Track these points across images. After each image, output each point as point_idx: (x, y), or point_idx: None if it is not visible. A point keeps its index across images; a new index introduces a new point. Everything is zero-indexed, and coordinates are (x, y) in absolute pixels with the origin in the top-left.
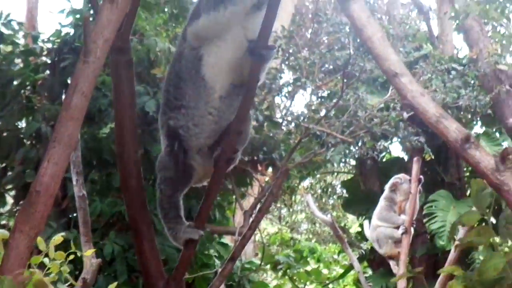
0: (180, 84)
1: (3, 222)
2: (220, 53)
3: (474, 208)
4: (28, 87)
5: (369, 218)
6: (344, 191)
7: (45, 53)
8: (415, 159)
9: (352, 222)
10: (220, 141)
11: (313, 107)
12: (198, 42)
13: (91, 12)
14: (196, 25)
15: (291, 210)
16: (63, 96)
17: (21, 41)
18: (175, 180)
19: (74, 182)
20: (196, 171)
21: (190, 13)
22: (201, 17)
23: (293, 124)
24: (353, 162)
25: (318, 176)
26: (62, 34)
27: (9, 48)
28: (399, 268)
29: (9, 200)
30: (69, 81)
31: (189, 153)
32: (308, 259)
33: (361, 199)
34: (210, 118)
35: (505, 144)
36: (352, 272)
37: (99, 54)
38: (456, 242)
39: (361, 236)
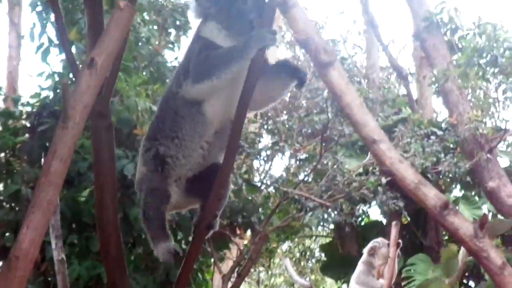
0: (177, 118)
1: None
2: (220, 96)
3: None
4: (8, 151)
5: (348, 282)
6: (323, 254)
7: (24, 116)
8: (393, 223)
9: (331, 286)
10: (197, 177)
11: (291, 171)
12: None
13: (71, 75)
14: (191, 90)
15: (269, 273)
16: (43, 159)
17: (1, 104)
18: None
19: (53, 246)
20: (170, 198)
21: (188, 53)
22: (194, 84)
23: (271, 188)
24: (331, 226)
25: (296, 239)
26: (42, 97)
27: None
28: None
29: None
30: (48, 145)
31: (167, 179)
32: None
33: (339, 262)
34: (200, 152)
35: (484, 208)
36: None
37: (78, 120)
38: None
39: None
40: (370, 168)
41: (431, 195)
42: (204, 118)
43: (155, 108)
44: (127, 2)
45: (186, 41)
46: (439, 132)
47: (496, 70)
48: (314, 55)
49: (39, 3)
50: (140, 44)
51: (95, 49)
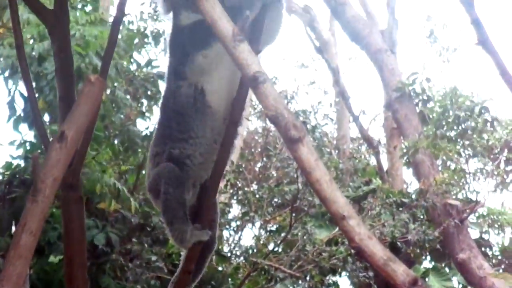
0: (185, 118)
1: None
2: (219, 78)
3: None
4: None
5: None
6: None
7: None
8: None
9: None
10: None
11: (261, 241)
12: (198, 76)
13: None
14: (196, 63)
15: None
16: (13, 228)
17: None
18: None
19: None
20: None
21: (171, 49)
22: (195, 56)
23: (241, 258)
24: None
25: None
26: (13, 166)
27: None
28: None
29: None
30: (18, 213)
31: (185, 183)
32: None
33: None
34: (214, 147)
35: (454, 280)
36: None
37: (48, 193)
38: None
39: None
40: (340, 239)
41: (400, 271)
42: (211, 109)
43: (119, 185)
44: (98, 76)
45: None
46: (409, 202)
47: (467, 142)
48: (284, 131)
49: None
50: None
51: (66, 122)
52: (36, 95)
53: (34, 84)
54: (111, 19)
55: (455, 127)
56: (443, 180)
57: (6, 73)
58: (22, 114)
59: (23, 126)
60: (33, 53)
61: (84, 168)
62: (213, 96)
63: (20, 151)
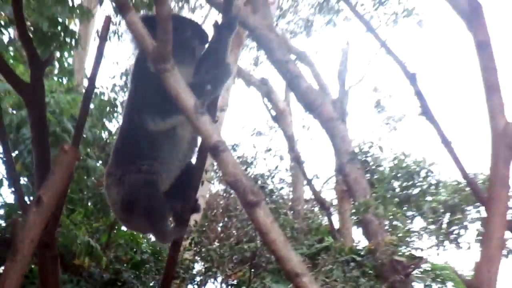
0: (155, 142)
1: None
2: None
3: None
4: None
5: None
6: None
7: None
8: None
9: None
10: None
11: None
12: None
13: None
14: (159, 126)
15: None
16: None
17: None
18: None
19: None
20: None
21: (137, 86)
22: (161, 122)
23: None
24: None
25: None
26: None
27: None
28: None
29: None
30: None
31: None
32: None
33: None
34: (177, 164)
35: None
36: None
37: (26, 253)
38: None
39: None
40: None
41: None
42: (177, 136)
43: (92, 243)
44: (71, 145)
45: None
46: (359, 259)
47: (413, 204)
48: (242, 196)
49: None
50: (85, 177)
51: (42, 188)
52: (15, 156)
53: (12, 149)
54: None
55: (402, 190)
56: (390, 241)
57: None
58: (3, 178)
59: (4, 189)
60: (13, 121)
61: (59, 227)
62: (180, 129)
63: (1, 212)
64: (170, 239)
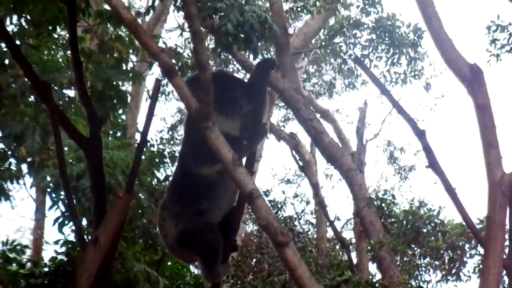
0: (212, 183)
1: None
2: None
3: None
4: None
5: None
6: None
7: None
8: None
9: None
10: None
11: None
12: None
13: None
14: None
15: None
16: None
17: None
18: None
19: None
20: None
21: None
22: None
23: None
24: None
25: None
26: (57, 260)
27: (15, 268)
28: None
29: None
30: None
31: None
32: None
33: None
34: (227, 204)
35: None
36: None
37: (84, 286)
38: None
39: None
40: None
41: None
42: (229, 180)
43: (149, 270)
44: (124, 192)
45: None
46: None
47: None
48: (273, 237)
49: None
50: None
51: (99, 229)
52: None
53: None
54: (136, 142)
55: (412, 233)
56: (403, 280)
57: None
58: (64, 219)
59: (66, 228)
60: (74, 172)
61: (120, 259)
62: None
63: (63, 249)
64: (220, 279)
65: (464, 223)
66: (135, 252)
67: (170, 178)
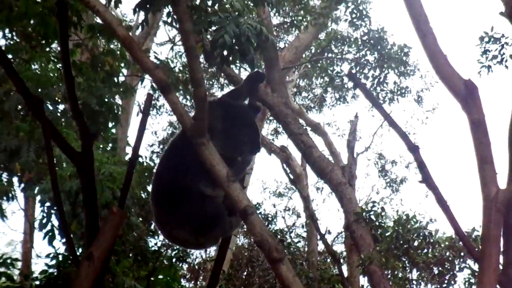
0: None
1: None
2: None
3: None
4: None
5: None
6: None
7: None
8: None
9: None
10: None
11: None
12: None
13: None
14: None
15: None
16: None
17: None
18: None
19: None
20: None
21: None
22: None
23: None
24: None
25: None
26: (47, 273)
27: (5, 283)
28: None
29: None
30: None
31: None
32: None
33: None
34: None
35: None
36: None
37: None
38: None
39: None
40: None
41: None
42: None
43: (139, 286)
44: (118, 207)
45: None
46: None
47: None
48: (268, 253)
49: (47, 199)
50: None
51: (93, 245)
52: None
53: (72, 213)
54: (127, 156)
55: (402, 245)
56: None
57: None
58: (55, 232)
59: (57, 242)
60: (73, 189)
61: (110, 274)
62: None
63: (54, 262)
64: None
65: (454, 236)
66: (125, 267)
67: None
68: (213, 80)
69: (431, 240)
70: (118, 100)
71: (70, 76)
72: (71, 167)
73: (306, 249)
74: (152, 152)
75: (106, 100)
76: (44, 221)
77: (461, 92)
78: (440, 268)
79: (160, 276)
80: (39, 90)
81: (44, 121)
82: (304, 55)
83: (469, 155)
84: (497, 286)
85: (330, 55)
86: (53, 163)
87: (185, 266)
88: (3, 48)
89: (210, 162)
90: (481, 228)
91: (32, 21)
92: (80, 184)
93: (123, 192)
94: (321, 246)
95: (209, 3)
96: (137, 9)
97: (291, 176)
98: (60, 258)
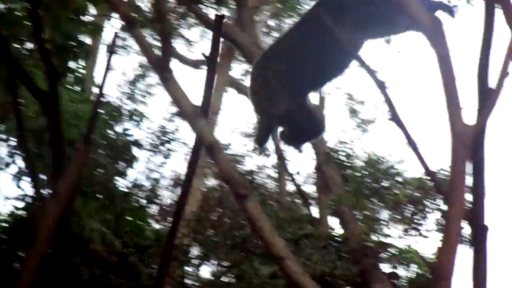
0: None
1: None
2: None
3: None
4: None
5: None
6: None
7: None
8: None
9: None
10: None
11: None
12: None
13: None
14: None
15: None
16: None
17: None
18: None
19: None
20: None
21: None
22: None
23: None
24: None
25: None
26: (16, 215)
27: None
28: None
29: None
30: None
31: None
32: None
33: None
34: None
35: None
36: None
37: (44, 238)
38: None
39: None
40: (281, 274)
41: None
42: None
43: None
44: (84, 143)
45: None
46: (335, 244)
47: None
48: (235, 189)
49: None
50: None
51: (59, 182)
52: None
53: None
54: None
55: (372, 186)
56: (363, 231)
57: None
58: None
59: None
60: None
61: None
62: None
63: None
64: None
65: (423, 176)
66: (91, 210)
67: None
68: (182, 20)
69: (401, 180)
70: (86, 40)
71: (36, 15)
72: (35, 107)
73: (277, 190)
74: (122, 92)
75: (73, 35)
76: (9, 160)
77: (428, 28)
78: (411, 208)
79: (129, 218)
80: (4, 28)
81: (9, 60)
82: None
83: (437, 94)
84: (466, 222)
85: None
86: (17, 102)
87: (155, 207)
88: None
89: (175, 96)
90: (450, 163)
91: None
92: (46, 123)
93: (89, 129)
94: (291, 187)
95: None
96: None
97: None
98: (29, 200)
